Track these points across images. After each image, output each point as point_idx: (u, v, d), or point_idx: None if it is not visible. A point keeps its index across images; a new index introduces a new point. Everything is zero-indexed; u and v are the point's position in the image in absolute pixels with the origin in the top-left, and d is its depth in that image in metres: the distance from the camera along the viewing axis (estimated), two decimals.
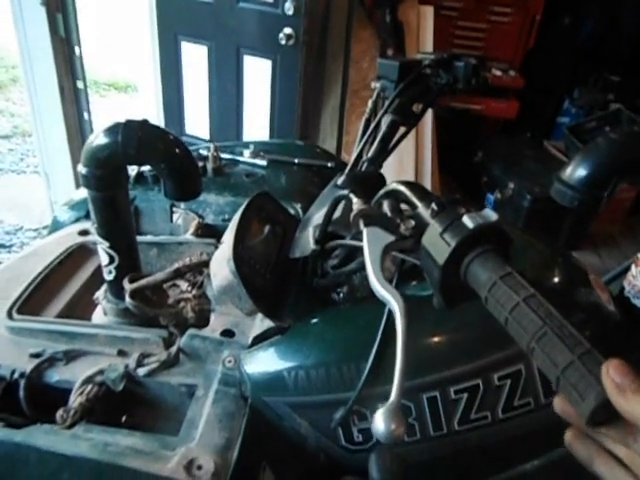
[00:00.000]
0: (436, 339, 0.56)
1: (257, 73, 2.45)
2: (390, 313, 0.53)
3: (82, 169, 0.58)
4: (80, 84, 1.81)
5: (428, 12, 2.73)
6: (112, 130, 0.57)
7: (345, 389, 0.55)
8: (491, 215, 0.36)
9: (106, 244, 0.62)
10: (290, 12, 2.23)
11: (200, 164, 0.99)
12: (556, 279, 0.59)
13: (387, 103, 0.70)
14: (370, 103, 0.73)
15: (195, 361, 0.62)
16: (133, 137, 0.56)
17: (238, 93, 2.52)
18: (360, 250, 0.46)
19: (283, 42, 2.28)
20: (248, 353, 0.60)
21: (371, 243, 0.43)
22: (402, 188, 0.46)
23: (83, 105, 1.86)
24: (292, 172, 1.03)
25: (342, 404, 0.55)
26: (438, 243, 0.37)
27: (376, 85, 0.72)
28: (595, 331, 0.57)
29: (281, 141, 1.58)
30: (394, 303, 0.39)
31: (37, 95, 1.83)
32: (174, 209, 0.96)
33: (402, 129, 0.71)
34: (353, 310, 0.61)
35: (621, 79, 2.88)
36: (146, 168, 0.98)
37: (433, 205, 0.40)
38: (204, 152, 1.05)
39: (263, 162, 1.04)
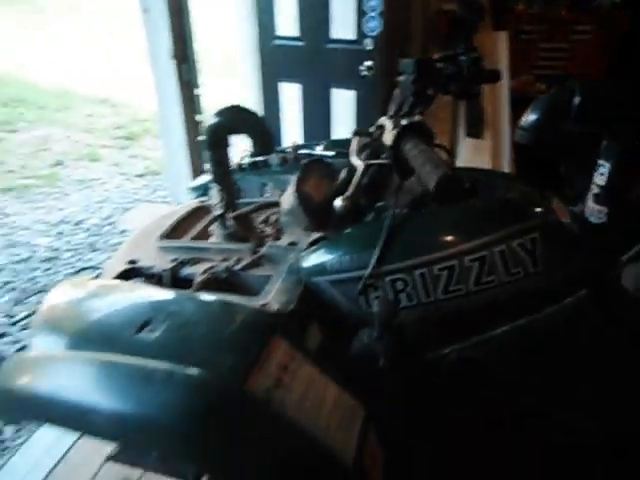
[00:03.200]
0: (423, 231, 0.83)
1: (343, 103, 2.83)
2: (391, 218, 0.81)
3: (203, 137, 0.94)
4: (198, 117, 2.29)
5: (502, 37, 2.92)
6: (220, 113, 0.93)
7: (364, 269, 0.83)
8: (417, 118, 0.65)
9: (218, 187, 0.97)
10: (369, 47, 2.59)
11: (283, 156, 1.35)
12: (517, 195, 0.84)
13: (408, 90, 0.99)
14: (396, 92, 1.02)
15: (271, 262, 0.94)
16: (232, 115, 0.91)
17: (326, 121, 2.91)
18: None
19: (364, 73, 2.64)
20: (304, 253, 0.90)
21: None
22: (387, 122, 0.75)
23: (199, 133, 2.34)
24: None
25: (361, 278, 0.83)
26: (390, 137, 0.66)
27: (399, 79, 1.02)
28: (550, 234, 0.80)
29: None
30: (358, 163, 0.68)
31: (168, 127, 2.34)
32: (265, 188, 1.31)
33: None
34: (371, 223, 0.90)
35: None
36: (244, 162, 1.35)
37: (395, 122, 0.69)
38: (288, 149, 1.41)
39: (331, 153, 1.37)
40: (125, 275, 0.98)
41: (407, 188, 0.88)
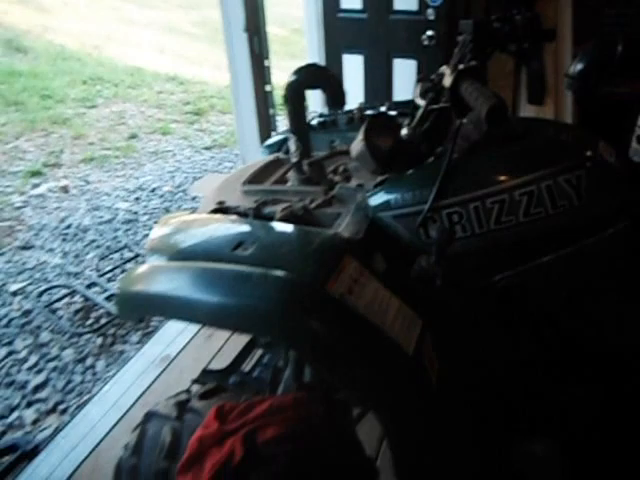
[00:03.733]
0: (477, 169, 0.93)
1: (405, 72, 2.90)
2: (448, 158, 0.92)
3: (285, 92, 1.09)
4: (268, 87, 2.44)
5: (566, 4, 2.87)
6: (298, 70, 1.07)
7: (423, 204, 0.94)
8: (473, 63, 0.75)
9: (295, 138, 1.11)
10: (431, 17, 2.64)
11: (349, 116, 1.47)
12: (565, 135, 0.92)
13: (466, 48, 1.08)
14: (456, 50, 1.12)
15: (341, 202, 1.07)
16: (309, 72, 1.04)
17: (388, 91, 2.99)
18: None
19: (426, 43, 2.70)
20: (371, 193, 1.03)
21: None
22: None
23: (270, 103, 2.49)
24: None
25: (421, 213, 0.94)
26: (449, 80, 0.77)
27: (459, 38, 1.11)
28: (594, 171, 0.88)
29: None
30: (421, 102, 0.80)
31: (240, 97, 2.50)
32: (333, 145, 1.44)
33: None
34: (430, 164, 1.01)
35: None
36: (313, 122, 1.48)
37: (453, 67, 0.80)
38: (354, 109, 1.52)
39: (394, 113, 1.47)
40: (215, 214, 1.15)
41: (463, 134, 0.98)
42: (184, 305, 0.83)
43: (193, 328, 2.12)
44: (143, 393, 1.85)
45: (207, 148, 4.68)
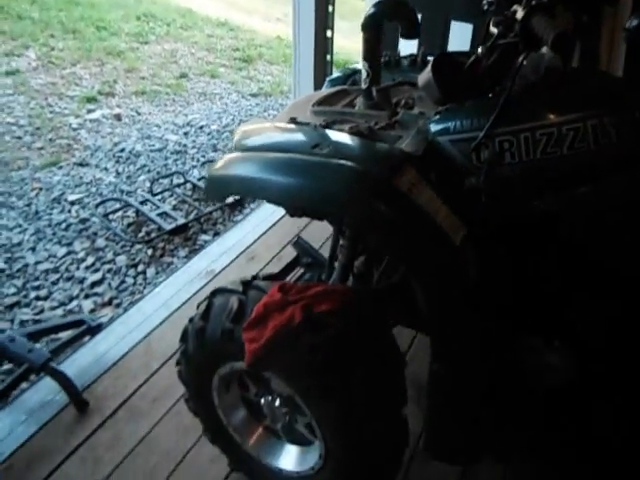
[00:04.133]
0: (531, 103, 1.05)
1: (461, 36, 2.95)
2: (507, 91, 1.04)
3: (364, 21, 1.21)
4: (329, 33, 2.54)
5: None
6: (377, 3, 1.19)
7: (479, 130, 1.07)
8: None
9: (367, 64, 1.24)
10: None
11: (412, 58, 1.59)
12: (611, 83, 1.04)
13: None
14: None
15: (404, 127, 1.21)
16: (387, 4, 1.17)
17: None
18: None
19: (485, 7, 2.74)
20: (432, 119, 1.16)
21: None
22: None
23: (328, 49, 2.60)
24: None
25: (476, 139, 1.07)
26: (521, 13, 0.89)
27: None
28: (633, 115, 1.00)
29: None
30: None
31: (300, 46, 2.62)
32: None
33: None
34: (489, 97, 1.13)
35: None
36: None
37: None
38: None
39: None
40: None
41: (522, 74, 1.10)
42: (269, 186, 0.99)
43: (237, 248, 2.30)
44: (189, 298, 2.04)
45: (253, 95, 4.79)
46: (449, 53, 1.26)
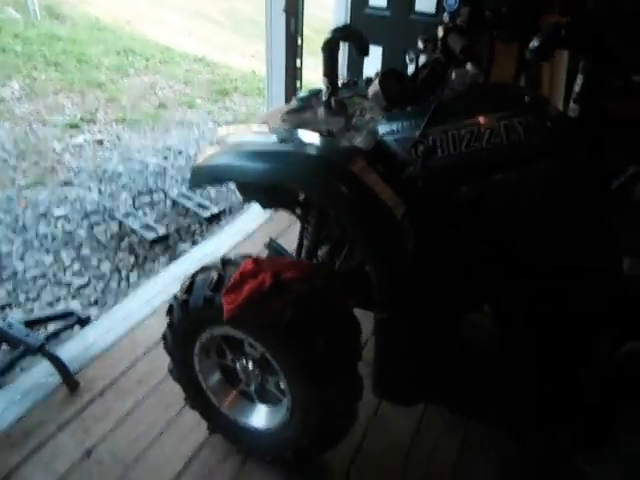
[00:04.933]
0: (456, 108, 1.31)
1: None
2: (437, 98, 1.30)
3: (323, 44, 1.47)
4: (298, 62, 2.83)
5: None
6: (335, 30, 1.45)
7: (416, 130, 1.32)
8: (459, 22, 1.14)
9: (326, 80, 1.50)
10: (446, 20, 3.02)
11: (368, 79, 1.86)
12: (521, 92, 1.31)
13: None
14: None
15: (357, 130, 1.45)
16: (342, 30, 1.43)
17: None
18: None
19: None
20: (380, 122, 1.41)
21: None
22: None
23: (298, 76, 2.89)
24: None
25: (414, 137, 1.32)
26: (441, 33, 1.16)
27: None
28: (537, 118, 1.26)
29: None
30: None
31: (272, 73, 2.90)
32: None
33: None
34: (424, 104, 1.39)
35: None
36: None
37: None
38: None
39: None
40: None
41: (451, 85, 1.36)
42: (247, 170, 1.22)
43: (214, 255, 2.49)
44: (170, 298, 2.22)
45: (229, 123, 5.06)
46: (393, 69, 1.52)
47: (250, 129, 1.44)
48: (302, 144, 1.26)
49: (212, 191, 3.40)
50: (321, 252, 1.65)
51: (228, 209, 3.17)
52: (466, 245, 1.34)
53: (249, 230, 2.75)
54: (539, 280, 1.33)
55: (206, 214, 3.00)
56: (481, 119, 1.28)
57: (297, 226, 1.63)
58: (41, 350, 1.69)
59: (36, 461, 1.50)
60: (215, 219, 3.04)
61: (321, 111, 1.57)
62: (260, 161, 1.21)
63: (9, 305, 2.28)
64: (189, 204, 3.09)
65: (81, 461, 1.51)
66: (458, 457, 1.60)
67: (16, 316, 2.17)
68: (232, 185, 3.42)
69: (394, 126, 1.37)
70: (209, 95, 5.80)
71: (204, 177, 1.35)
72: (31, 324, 1.83)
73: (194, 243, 2.80)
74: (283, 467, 1.50)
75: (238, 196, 3.35)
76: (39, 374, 1.78)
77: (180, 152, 4.12)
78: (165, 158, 3.97)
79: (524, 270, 1.34)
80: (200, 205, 3.10)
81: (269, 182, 1.27)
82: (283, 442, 1.42)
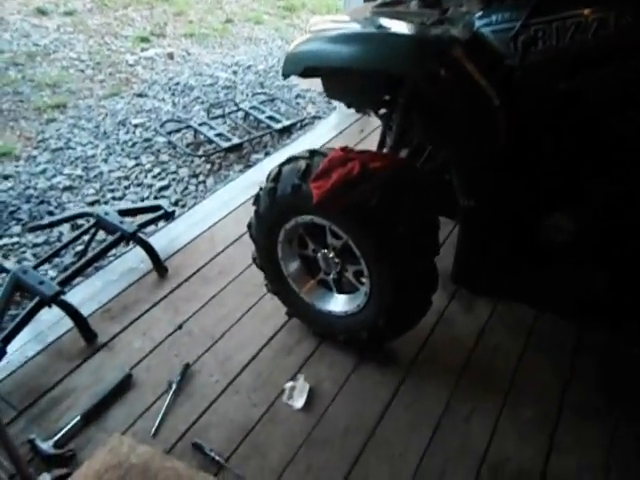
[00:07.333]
0: None
1: None
2: None
3: None
4: None
5: None
6: None
7: (517, 21, 1.26)
8: None
9: None
10: None
11: None
12: None
13: None
14: None
15: (452, 23, 1.41)
16: None
17: None
18: None
19: None
20: (477, 14, 1.35)
21: None
22: None
23: None
24: None
25: (514, 28, 1.27)
26: None
27: None
28: None
29: None
30: None
31: None
32: None
33: None
34: None
35: None
36: None
37: None
38: None
39: None
40: None
41: None
42: (340, 53, 1.22)
43: None
44: (245, 201, 2.30)
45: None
46: None
47: (342, 18, 1.42)
48: (398, 31, 1.24)
49: (282, 106, 3.41)
50: (402, 154, 1.65)
51: (299, 123, 3.18)
52: (556, 142, 1.31)
53: (319, 144, 2.76)
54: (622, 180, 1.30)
55: (278, 126, 3.02)
56: (589, 9, 1.21)
57: (364, 144, 1.63)
58: (134, 237, 1.82)
59: (134, 330, 1.66)
60: (286, 132, 3.06)
61: (414, 4, 1.52)
62: (353, 44, 1.21)
63: (98, 202, 2.44)
64: (261, 116, 3.12)
65: (174, 332, 1.66)
66: (519, 359, 1.64)
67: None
68: (313, 91, 3.39)
69: (493, 17, 1.32)
70: (276, 11, 5.66)
71: (297, 63, 1.36)
72: (124, 213, 1.96)
73: (267, 154, 2.85)
74: (355, 350, 1.60)
75: (309, 110, 3.35)
76: (131, 261, 1.93)
77: (249, 67, 4.10)
78: (234, 73, 3.97)
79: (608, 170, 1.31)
80: (271, 117, 3.12)
81: (365, 66, 1.27)
82: (358, 324, 1.50)
